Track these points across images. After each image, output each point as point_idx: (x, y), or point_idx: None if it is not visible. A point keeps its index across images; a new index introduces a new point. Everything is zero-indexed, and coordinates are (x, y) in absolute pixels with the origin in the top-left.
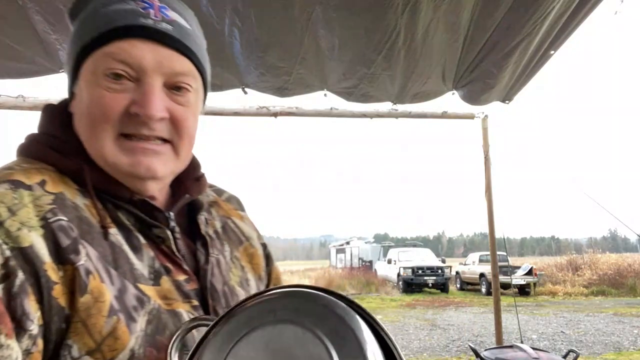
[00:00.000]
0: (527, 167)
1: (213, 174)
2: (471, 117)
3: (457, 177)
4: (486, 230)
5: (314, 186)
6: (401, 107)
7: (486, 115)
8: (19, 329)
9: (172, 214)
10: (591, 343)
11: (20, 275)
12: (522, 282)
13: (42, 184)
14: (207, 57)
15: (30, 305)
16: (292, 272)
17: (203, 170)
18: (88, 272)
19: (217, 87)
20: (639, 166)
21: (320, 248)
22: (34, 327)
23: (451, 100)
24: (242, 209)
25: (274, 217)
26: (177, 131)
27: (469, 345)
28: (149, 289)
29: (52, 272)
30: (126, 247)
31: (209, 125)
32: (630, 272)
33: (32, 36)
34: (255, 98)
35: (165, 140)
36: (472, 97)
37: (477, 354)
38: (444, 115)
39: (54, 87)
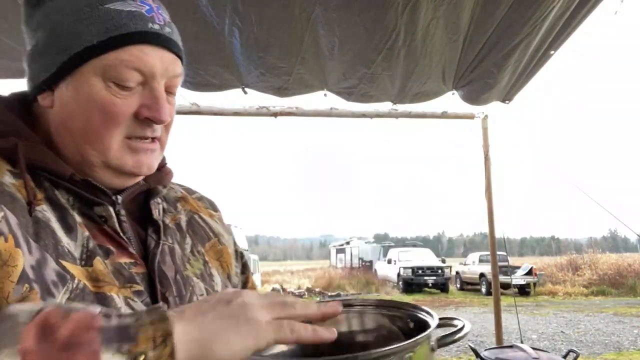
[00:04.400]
0: (527, 167)
1: (215, 173)
2: (471, 117)
3: (457, 177)
4: (486, 230)
5: (314, 186)
6: (401, 107)
7: (486, 115)
8: None
9: (119, 197)
10: (591, 343)
11: None
12: (522, 282)
13: None
14: None
15: None
16: (292, 272)
17: (168, 162)
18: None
19: (217, 87)
20: (639, 166)
21: (320, 248)
22: None
23: (451, 100)
24: (215, 209)
25: (274, 217)
26: (166, 130)
27: (469, 345)
28: (74, 268)
29: None
30: (56, 225)
31: (209, 125)
32: (630, 272)
33: None
34: (255, 98)
35: (157, 138)
36: (472, 97)
37: (477, 354)
38: (444, 115)
39: None
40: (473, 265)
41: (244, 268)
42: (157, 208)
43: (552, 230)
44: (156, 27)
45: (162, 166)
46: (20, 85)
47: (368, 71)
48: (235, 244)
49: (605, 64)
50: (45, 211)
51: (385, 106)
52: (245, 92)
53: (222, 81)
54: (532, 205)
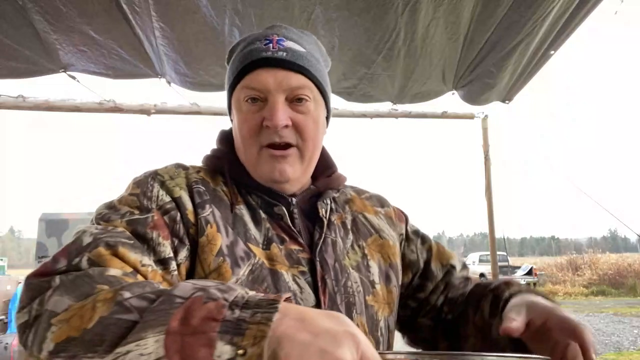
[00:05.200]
0: (527, 167)
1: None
2: (471, 117)
3: (457, 177)
4: (486, 230)
5: None
6: (401, 107)
7: (486, 115)
8: (181, 242)
9: (294, 199)
10: None
11: (176, 212)
12: (522, 282)
13: (198, 171)
14: (324, 71)
15: (184, 232)
16: None
17: (340, 170)
18: (207, 222)
19: (217, 87)
20: (639, 166)
21: None
22: (188, 245)
23: (451, 100)
24: (382, 206)
25: None
26: (300, 135)
27: None
28: (256, 249)
29: (191, 216)
30: (248, 219)
31: (210, 125)
32: (630, 272)
33: (32, 36)
34: None
35: (292, 146)
36: (472, 97)
37: None
38: (444, 115)
39: (53, 87)
40: (473, 265)
41: (423, 241)
42: (324, 208)
43: (552, 230)
44: (269, 53)
45: (331, 173)
46: (20, 84)
47: (368, 71)
48: (406, 231)
49: (605, 64)
50: (242, 209)
51: (385, 106)
52: None
53: (222, 81)
54: (532, 205)
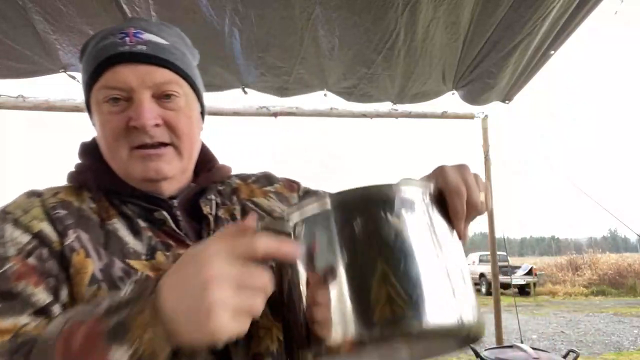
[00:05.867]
0: (527, 167)
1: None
2: (471, 117)
3: None
4: (486, 230)
5: (313, 186)
6: (401, 107)
7: (486, 115)
8: (58, 280)
9: (175, 201)
10: (591, 343)
11: (40, 249)
12: (522, 282)
13: (55, 194)
14: (192, 64)
15: (58, 267)
16: None
17: (220, 161)
18: (72, 250)
19: (217, 87)
20: (639, 166)
21: None
22: (68, 280)
23: (451, 100)
24: (270, 184)
25: None
26: (174, 133)
27: (469, 345)
28: (137, 264)
29: (59, 247)
30: (124, 232)
31: (209, 125)
32: (630, 272)
33: (32, 36)
34: (255, 98)
35: (167, 144)
36: (472, 97)
37: (477, 354)
38: (443, 115)
39: (53, 87)
40: (473, 265)
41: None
42: (209, 204)
43: (552, 230)
44: (126, 48)
45: (212, 166)
46: (20, 84)
47: (368, 71)
48: (299, 199)
49: (605, 64)
50: (115, 223)
51: (385, 106)
52: (245, 92)
53: (222, 81)
54: (532, 205)
